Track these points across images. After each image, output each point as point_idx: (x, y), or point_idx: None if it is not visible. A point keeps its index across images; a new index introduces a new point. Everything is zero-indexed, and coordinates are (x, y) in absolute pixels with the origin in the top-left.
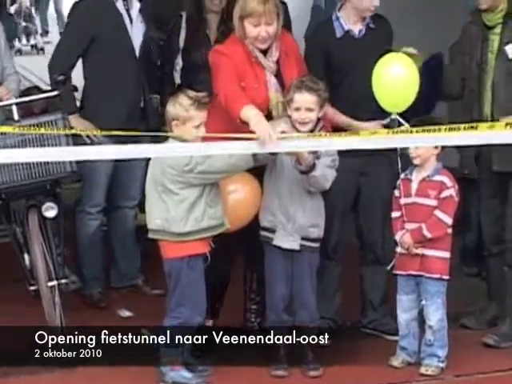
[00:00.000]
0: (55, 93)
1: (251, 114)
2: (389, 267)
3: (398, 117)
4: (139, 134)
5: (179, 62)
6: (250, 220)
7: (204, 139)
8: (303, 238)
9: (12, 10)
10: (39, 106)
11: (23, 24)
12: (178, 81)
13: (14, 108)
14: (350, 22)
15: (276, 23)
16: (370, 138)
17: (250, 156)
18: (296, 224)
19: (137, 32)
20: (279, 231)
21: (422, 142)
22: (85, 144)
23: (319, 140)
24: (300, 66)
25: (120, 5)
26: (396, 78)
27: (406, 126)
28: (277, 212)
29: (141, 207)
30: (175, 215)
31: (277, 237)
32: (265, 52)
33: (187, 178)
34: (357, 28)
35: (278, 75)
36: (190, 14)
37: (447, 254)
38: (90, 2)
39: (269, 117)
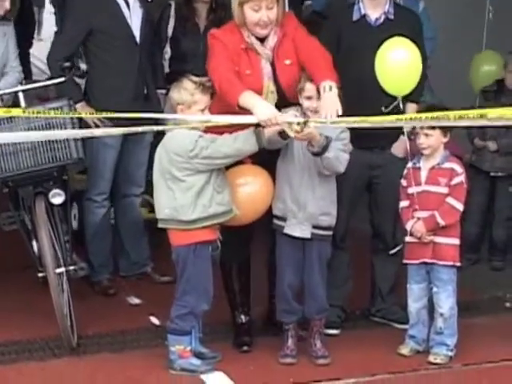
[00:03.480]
0: (62, 79)
1: (252, 99)
2: (392, 252)
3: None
4: (144, 116)
5: (168, 51)
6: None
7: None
8: (314, 227)
9: None
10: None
11: None
12: (166, 70)
13: (21, 95)
14: (368, 8)
15: (276, 7)
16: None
17: (255, 140)
18: (306, 212)
19: (136, 18)
20: (290, 219)
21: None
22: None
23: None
24: (306, 47)
25: None
26: (399, 62)
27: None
28: (287, 200)
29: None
30: (183, 203)
31: (288, 225)
32: (262, 39)
33: (193, 164)
34: (374, 15)
35: (273, 63)
36: (179, 3)
37: (458, 241)
38: None
39: None
